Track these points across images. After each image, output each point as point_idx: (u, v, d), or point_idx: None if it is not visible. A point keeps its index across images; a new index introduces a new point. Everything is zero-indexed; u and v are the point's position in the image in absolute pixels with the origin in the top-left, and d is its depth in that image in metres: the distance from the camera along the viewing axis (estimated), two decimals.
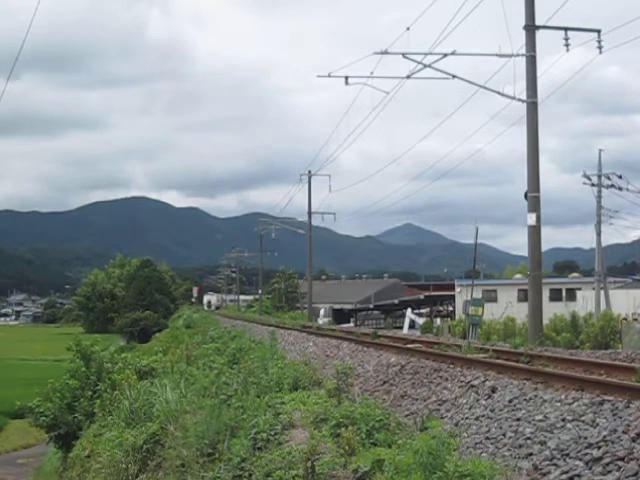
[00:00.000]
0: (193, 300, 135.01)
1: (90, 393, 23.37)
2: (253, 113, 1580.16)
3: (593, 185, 44.86)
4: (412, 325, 58.12)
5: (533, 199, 19.99)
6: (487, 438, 8.52)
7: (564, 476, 6.62)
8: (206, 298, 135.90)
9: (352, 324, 69.24)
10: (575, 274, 70.91)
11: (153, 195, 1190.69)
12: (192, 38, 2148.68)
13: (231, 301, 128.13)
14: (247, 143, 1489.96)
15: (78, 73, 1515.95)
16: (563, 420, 8.26)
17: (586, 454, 6.95)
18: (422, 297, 68.88)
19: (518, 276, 62.06)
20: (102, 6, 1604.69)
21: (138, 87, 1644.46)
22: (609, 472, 6.41)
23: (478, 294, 37.63)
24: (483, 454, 7.83)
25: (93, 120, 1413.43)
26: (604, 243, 47.93)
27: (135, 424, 14.28)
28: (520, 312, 32.32)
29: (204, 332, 36.20)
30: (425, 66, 21.11)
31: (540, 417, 8.61)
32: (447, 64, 31.44)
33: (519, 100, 20.41)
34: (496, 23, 23.77)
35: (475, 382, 11.23)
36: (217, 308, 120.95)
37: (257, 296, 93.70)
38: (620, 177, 44.24)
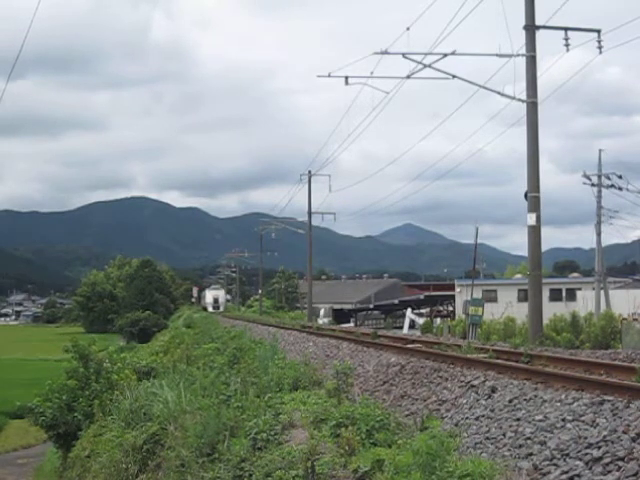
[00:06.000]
0: (193, 300, 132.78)
1: (88, 393, 23.35)
2: (254, 114, 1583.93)
3: (593, 185, 44.86)
4: (412, 325, 58.15)
5: (533, 199, 19.99)
6: (487, 438, 8.52)
7: (564, 476, 6.62)
8: (210, 295, 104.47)
9: (352, 324, 69.26)
10: (575, 274, 70.97)
11: (153, 195, 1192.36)
12: (195, 40, 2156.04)
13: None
14: (248, 143, 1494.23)
15: (82, 74, 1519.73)
16: (563, 420, 8.25)
17: (586, 454, 6.95)
18: (422, 297, 68.92)
19: (518, 276, 62.09)
20: (107, 8, 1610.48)
21: (141, 88, 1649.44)
22: (609, 472, 6.41)
23: (478, 294, 37.60)
24: (483, 454, 7.83)
25: (95, 121, 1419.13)
26: (604, 243, 47.98)
27: (135, 424, 14.26)
28: (520, 312, 32.31)
29: (204, 332, 36.17)
30: (425, 66, 21.11)
31: (540, 417, 8.60)
32: (447, 64, 31.42)
33: (519, 100, 20.40)
34: (496, 23, 23.79)
35: (475, 382, 11.23)
36: (226, 310, 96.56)
37: (257, 296, 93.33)
38: (620, 177, 44.26)
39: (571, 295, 51.66)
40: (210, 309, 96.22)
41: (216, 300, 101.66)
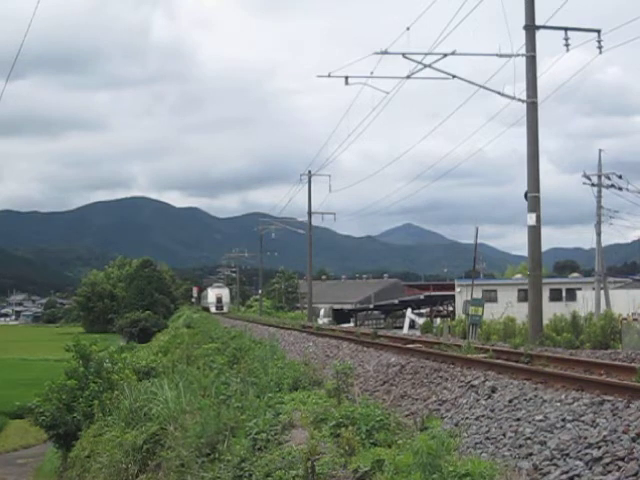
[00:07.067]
0: (193, 300, 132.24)
1: (88, 393, 23.35)
2: (255, 114, 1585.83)
3: (593, 185, 44.86)
4: (412, 325, 58.23)
5: (533, 199, 19.99)
6: (487, 438, 8.52)
7: (564, 476, 6.62)
8: (212, 293, 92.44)
9: (352, 324, 69.25)
10: (575, 274, 70.94)
11: (153, 195, 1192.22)
12: (195, 40, 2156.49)
13: None
14: (248, 144, 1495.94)
15: (82, 74, 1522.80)
16: (563, 420, 8.25)
17: (586, 454, 6.94)
18: (422, 297, 68.93)
19: (518, 276, 62.06)
20: (107, 9, 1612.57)
21: (141, 88, 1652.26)
22: (609, 472, 6.41)
23: (478, 294, 37.60)
24: (483, 454, 7.82)
25: (95, 121, 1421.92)
26: (604, 243, 47.99)
27: (135, 424, 14.27)
28: (520, 312, 32.32)
29: (204, 332, 36.14)
30: (425, 66, 21.11)
31: (540, 417, 8.60)
32: (447, 64, 31.42)
33: (519, 100, 20.41)
34: (496, 23, 23.79)
35: (475, 382, 11.23)
36: (230, 310, 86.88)
37: (257, 296, 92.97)
38: (620, 177, 44.27)
39: (571, 295, 51.66)
40: (213, 309, 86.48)
41: (219, 299, 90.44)
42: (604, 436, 7.21)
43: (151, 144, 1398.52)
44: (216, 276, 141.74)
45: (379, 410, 8.38)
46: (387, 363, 15.17)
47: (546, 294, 36.94)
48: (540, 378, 10.61)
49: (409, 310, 62.67)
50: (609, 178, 44.62)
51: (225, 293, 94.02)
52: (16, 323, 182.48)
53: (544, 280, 23.72)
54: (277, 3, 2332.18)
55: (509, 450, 7.86)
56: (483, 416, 9.49)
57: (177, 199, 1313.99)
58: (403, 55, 21.08)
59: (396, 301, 72.71)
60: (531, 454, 7.51)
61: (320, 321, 56.16)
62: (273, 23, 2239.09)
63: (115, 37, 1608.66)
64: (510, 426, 8.64)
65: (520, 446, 7.86)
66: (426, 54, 21.14)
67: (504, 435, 8.41)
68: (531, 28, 20.08)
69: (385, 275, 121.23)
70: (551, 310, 35.50)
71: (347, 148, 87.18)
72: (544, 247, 21.61)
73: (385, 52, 21.19)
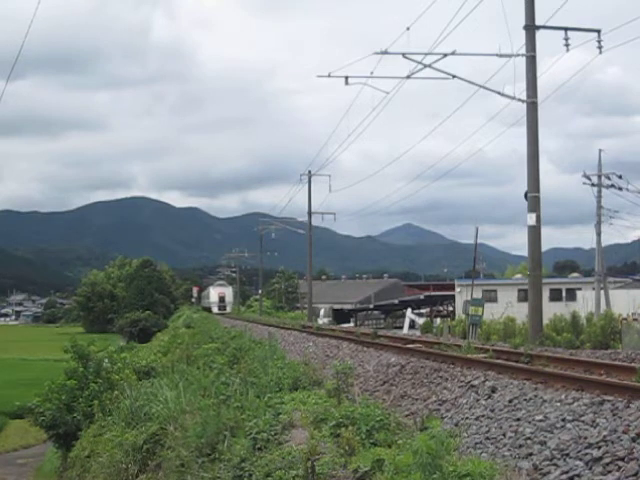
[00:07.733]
0: (193, 300, 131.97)
1: (87, 393, 23.36)
2: (255, 114, 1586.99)
3: (593, 185, 44.85)
4: (412, 325, 58.24)
5: (533, 199, 19.99)
6: (487, 438, 8.51)
7: (564, 476, 6.62)
8: (215, 292, 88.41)
9: (352, 324, 69.23)
10: (575, 274, 70.94)
11: (153, 195, 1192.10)
12: (195, 40, 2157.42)
13: None
14: (248, 144, 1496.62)
15: (82, 74, 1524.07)
16: (563, 420, 8.25)
17: (586, 454, 6.94)
18: (422, 297, 68.92)
19: (518, 276, 62.05)
20: (107, 9, 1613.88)
21: (141, 88, 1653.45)
22: (609, 472, 6.40)
23: (478, 294, 37.60)
24: (483, 454, 7.82)
25: (95, 121, 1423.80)
26: (604, 243, 47.98)
27: (135, 424, 14.27)
28: (520, 312, 32.32)
29: (204, 332, 36.14)
30: (425, 66, 21.10)
31: (540, 417, 8.60)
32: (447, 64, 31.41)
33: (519, 100, 20.40)
34: (496, 23, 23.79)
35: (475, 382, 11.23)
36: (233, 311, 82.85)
37: (257, 296, 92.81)
38: (620, 177, 44.26)
39: (571, 295, 51.66)
40: (215, 310, 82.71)
41: (222, 299, 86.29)
42: (604, 436, 7.21)
43: (151, 144, 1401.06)
44: (216, 276, 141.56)
45: (379, 410, 8.38)
46: (387, 363, 15.17)
47: (546, 294, 36.96)
48: (540, 378, 10.61)
49: (409, 310, 62.69)
50: (609, 178, 44.62)
51: (228, 292, 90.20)
52: (16, 323, 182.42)
53: (544, 280, 23.72)
54: (277, 3, 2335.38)
55: (509, 450, 7.86)
56: (483, 416, 9.49)
57: (177, 199, 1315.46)
58: (403, 55, 21.07)
59: (396, 301, 72.72)
60: (531, 454, 7.51)
61: (320, 321, 56.15)
62: (273, 23, 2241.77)
63: (115, 37, 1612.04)
64: (510, 426, 8.64)
65: (520, 446, 7.86)
66: (426, 54, 21.15)
67: (504, 435, 8.41)
68: (531, 28, 20.08)
69: (385, 275, 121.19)
70: (551, 310, 35.52)
71: (347, 148, 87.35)
72: (544, 247, 21.61)
73: (385, 52, 21.19)
